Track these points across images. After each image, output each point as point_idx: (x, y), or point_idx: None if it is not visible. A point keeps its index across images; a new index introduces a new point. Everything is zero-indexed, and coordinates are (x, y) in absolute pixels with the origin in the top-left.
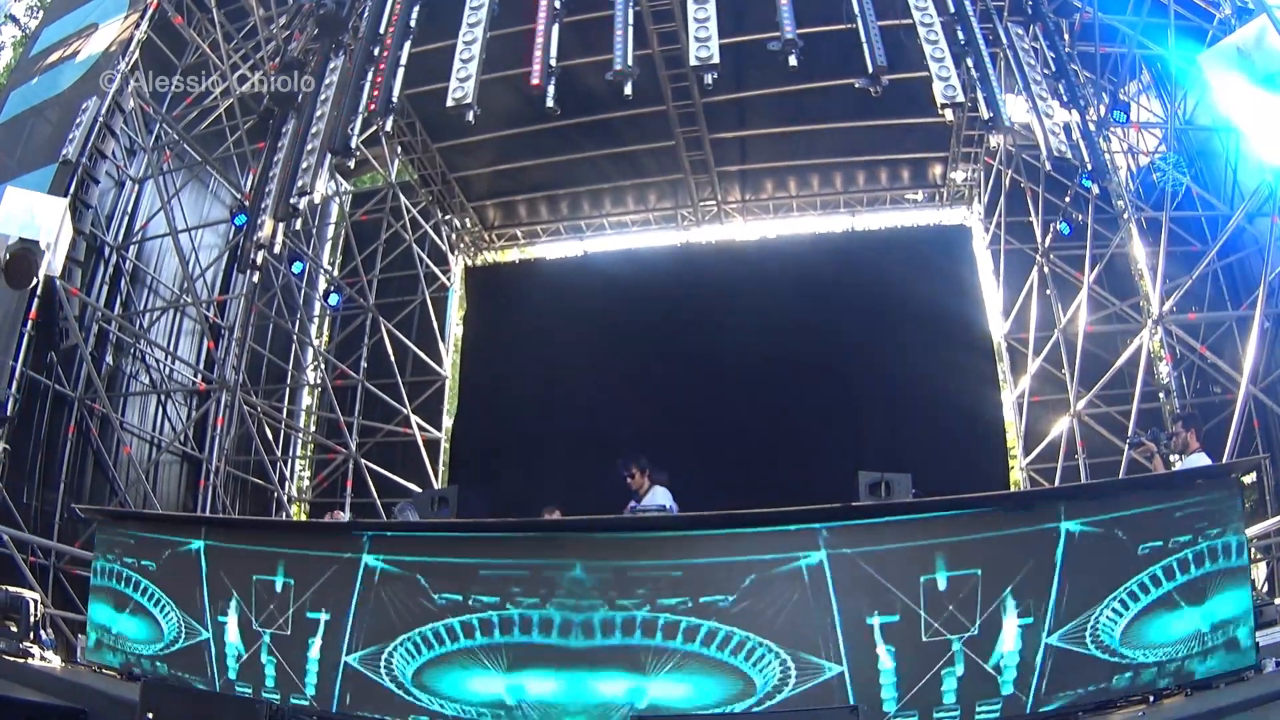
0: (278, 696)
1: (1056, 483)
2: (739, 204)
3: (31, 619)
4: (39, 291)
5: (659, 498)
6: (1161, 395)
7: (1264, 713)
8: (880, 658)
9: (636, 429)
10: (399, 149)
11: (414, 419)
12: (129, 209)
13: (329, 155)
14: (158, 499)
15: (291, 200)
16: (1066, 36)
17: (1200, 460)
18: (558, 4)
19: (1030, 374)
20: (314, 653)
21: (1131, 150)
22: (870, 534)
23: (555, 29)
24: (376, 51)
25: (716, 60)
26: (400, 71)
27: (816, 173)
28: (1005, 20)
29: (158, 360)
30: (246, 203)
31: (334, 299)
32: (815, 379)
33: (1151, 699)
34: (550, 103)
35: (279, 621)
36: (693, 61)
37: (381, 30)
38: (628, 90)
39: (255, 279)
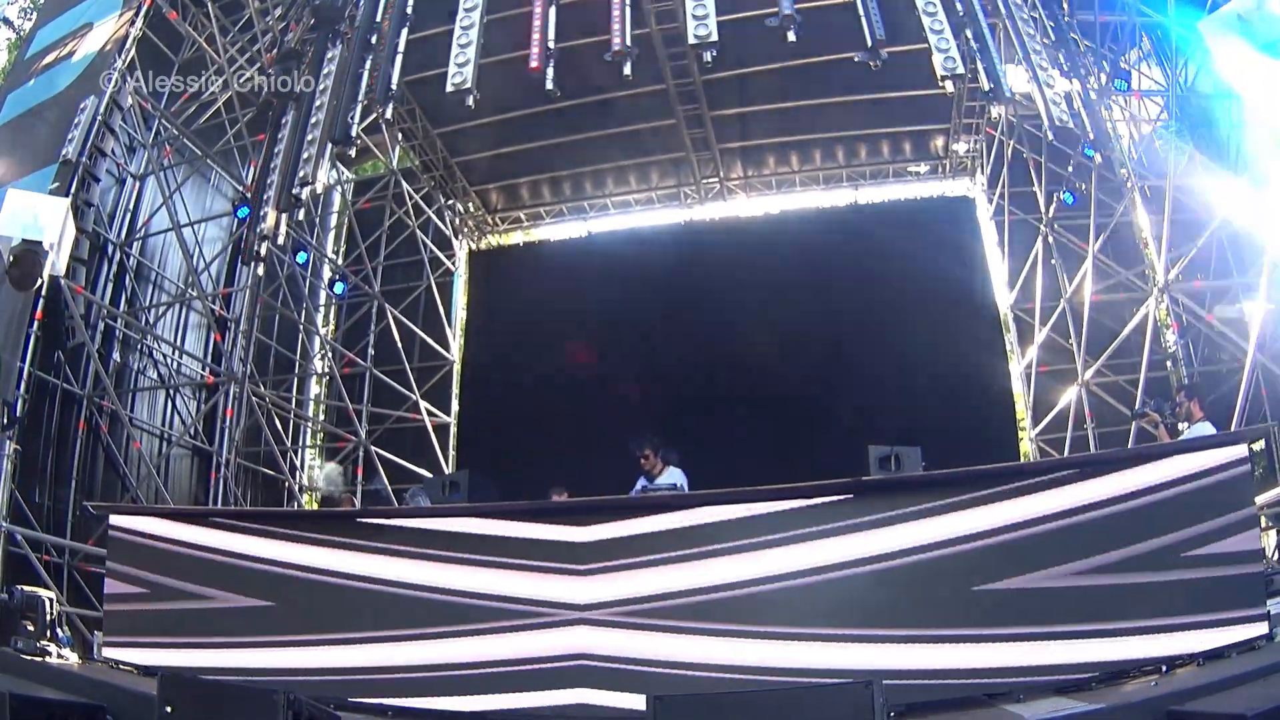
0: None
1: (1066, 453)
2: (741, 180)
3: (48, 617)
4: (44, 291)
5: (672, 477)
6: (1169, 364)
7: (1276, 682)
8: None
9: (643, 407)
10: (399, 136)
11: (423, 404)
12: (131, 206)
13: (330, 144)
14: (169, 493)
15: (293, 191)
16: (1065, 5)
17: (1205, 429)
18: None
19: (1037, 344)
20: None
21: (1133, 118)
22: None
23: (552, 11)
24: (374, 39)
25: (715, 38)
26: (398, 59)
27: (818, 147)
28: None
29: (165, 355)
30: (248, 195)
31: (339, 287)
32: (822, 353)
33: (1164, 669)
34: (550, 85)
35: None
36: (691, 39)
37: (378, 18)
38: (627, 70)
39: (260, 270)
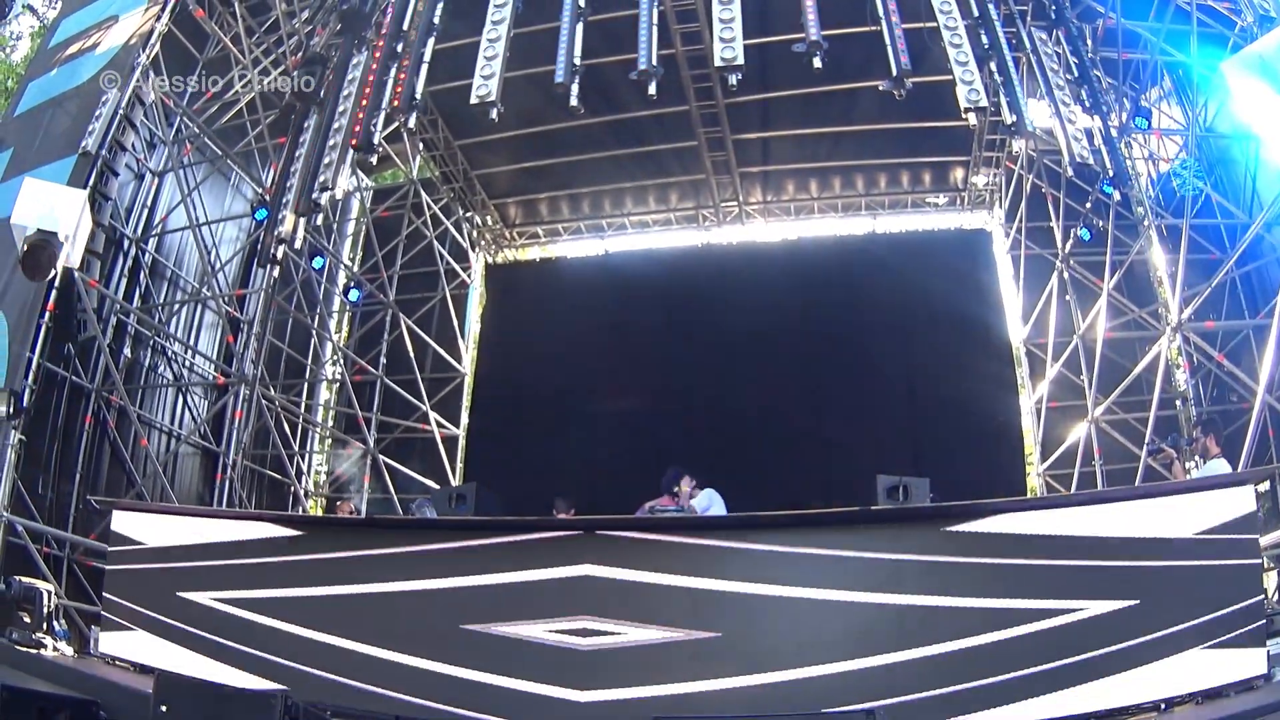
0: None
1: (1073, 489)
2: (760, 205)
3: (45, 610)
4: (57, 283)
5: (706, 499)
6: (1178, 403)
7: None
8: None
9: (654, 429)
10: (421, 145)
11: (432, 415)
12: (149, 202)
13: (351, 151)
14: (175, 492)
15: (313, 195)
16: (1089, 42)
17: (1220, 466)
18: (582, 2)
19: (1049, 379)
20: None
21: (1152, 157)
22: None
23: (580, 27)
24: (400, 48)
25: (741, 61)
26: (424, 68)
27: (838, 175)
28: (1029, 25)
29: (176, 353)
30: (268, 197)
31: (354, 295)
32: (834, 381)
33: (1163, 706)
34: (574, 101)
35: None
36: (717, 62)
37: (405, 26)
38: (652, 90)
39: (275, 274)
